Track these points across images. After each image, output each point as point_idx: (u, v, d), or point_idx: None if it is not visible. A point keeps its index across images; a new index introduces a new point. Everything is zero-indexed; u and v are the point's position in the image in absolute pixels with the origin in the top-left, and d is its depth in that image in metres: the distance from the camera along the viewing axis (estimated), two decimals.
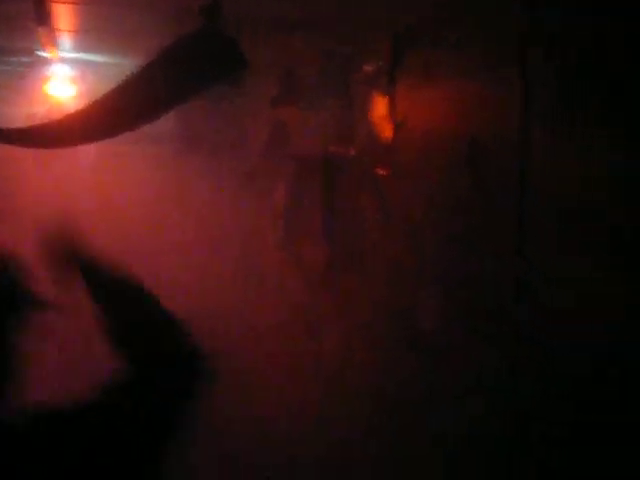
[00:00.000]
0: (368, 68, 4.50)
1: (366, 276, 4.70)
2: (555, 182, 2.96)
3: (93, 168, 7.18)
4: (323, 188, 5.16)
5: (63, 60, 7.08)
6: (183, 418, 1.91)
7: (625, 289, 2.77)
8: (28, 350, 1.98)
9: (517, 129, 3.10)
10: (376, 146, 4.34)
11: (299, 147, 5.61)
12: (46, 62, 7.14)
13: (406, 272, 4.16)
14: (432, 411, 3.73)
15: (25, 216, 6.74)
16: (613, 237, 2.75)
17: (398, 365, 4.04)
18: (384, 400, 4.03)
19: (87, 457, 1.84)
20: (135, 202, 7.04)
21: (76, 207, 6.97)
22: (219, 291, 6.75)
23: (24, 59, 7.12)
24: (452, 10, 3.69)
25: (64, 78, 7.24)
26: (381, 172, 4.30)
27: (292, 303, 5.77)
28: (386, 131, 4.22)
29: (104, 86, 4.85)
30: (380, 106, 4.31)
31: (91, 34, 6.42)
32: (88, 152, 6.98)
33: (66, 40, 6.46)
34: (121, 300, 2.04)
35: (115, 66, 6.69)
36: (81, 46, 6.88)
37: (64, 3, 5.68)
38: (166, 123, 6.86)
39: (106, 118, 4.76)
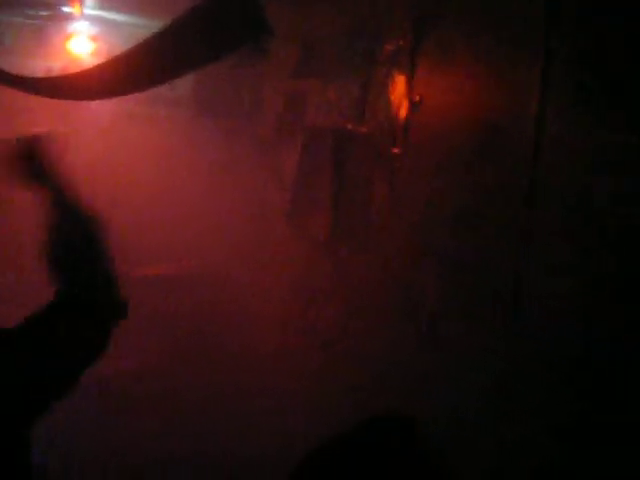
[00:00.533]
0: (389, 47, 4.51)
1: (369, 250, 4.74)
2: (568, 168, 2.98)
3: (107, 126, 7.22)
4: (333, 162, 5.19)
5: (86, 17, 7.10)
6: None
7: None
8: None
9: (533, 113, 3.13)
10: (391, 124, 4.37)
11: (314, 119, 5.64)
12: (69, 18, 7.16)
13: (409, 249, 4.20)
14: (426, 388, 3.77)
15: None
16: (626, 227, 2.77)
17: (394, 334, 4.09)
18: (378, 368, 4.08)
19: None
20: (146, 162, 7.08)
21: (87, 162, 7.07)
22: (225, 254, 6.82)
23: (48, 13, 7.14)
24: None
25: (85, 35, 7.26)
26: (394, 150, 4.33)
27: (294, 271, 5.83)
28: (402, 110, 4.25)
29: (124, 46, 4.89)
30: (398, 85, 4.34)
31: None
32: (103, 111, 7.02)
33: None
34: (71, 224, 2.11)
35: (137, 27, 6.70)
36: (105, 4, 6.91)
37: None
38: (183, 86, 6.92)
39: (124, 75, 4.80)
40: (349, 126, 4.89)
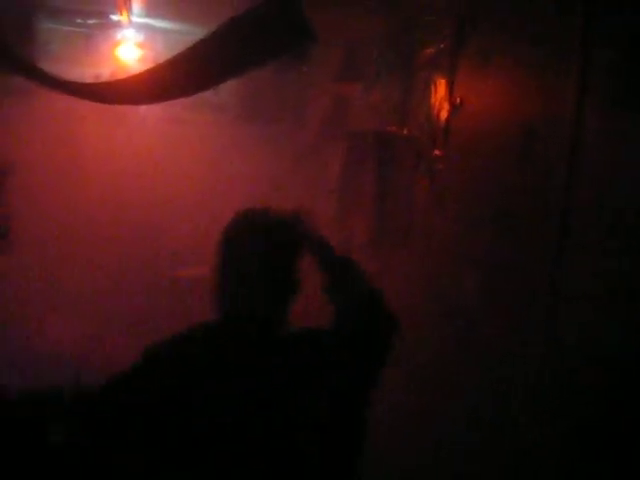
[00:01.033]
0: (430, 50, 4.56)
1: (410, 253, 4.78)
2: (606, 174, 2.99)
3: (153, 132, 7.33)
4: (376, 164, 5.25)
5: (133, 25, 7.24)
6: None
7: None
8: None
9: (570, 116, 3.14)
10: (432, 126, 4.41)
11: (356, 123, 5.70)
12: (117, 25, 7.30)
13: (449, 250, 4.23)
14: (462, 389, 3.80)
15: (86, 170, 6.98)
16: None
17: (432, 334, 4.12)
18: (414, 369, 4.12)
19: None
20: (193, 166, 7.20)
21: (133, 168, 7.20)
22: None
23: (96, 21, 7.30)
24: None
25: (133, 42, 7.40)
26: (435, 152, 4.37)
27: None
28: (443, 112, 4.29)
29: (170, 52, 4.99)
30: (439, 88, 4.38)
31: (163, 1, 6.56)
32: (150, 116, 7.14)
33: (138, 5, 6.62)
34: None
35: (182, 34, 6.82)
36: (151, 12, 7.03)
37: None
38: (227, 91, 7.02)
39: (170, 81, 4.90)
40: (391, 129, 4.94)
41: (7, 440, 2.57)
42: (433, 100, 4.42)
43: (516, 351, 3.39)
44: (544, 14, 3.40)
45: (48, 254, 6.59)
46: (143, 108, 6.75)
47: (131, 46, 7.40)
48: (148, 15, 7.13)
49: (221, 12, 4.47)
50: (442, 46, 4.40)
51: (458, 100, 4.16)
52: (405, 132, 4.76)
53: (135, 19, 7.04)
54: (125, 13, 6.54)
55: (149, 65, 5.54)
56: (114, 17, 7.07)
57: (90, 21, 7.30)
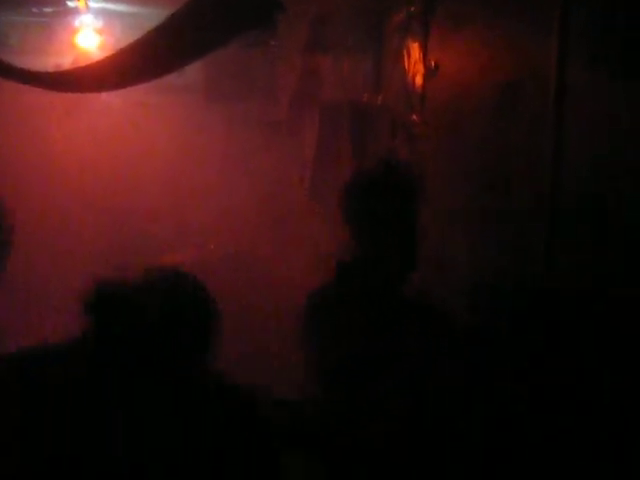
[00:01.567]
0: (400, 15, 4.49)
1: None
2: (591, 132, 2.95)
3: (119, 117, 7.23)
4: (352, 134, 5.19)
5: (91, 10, 7.09)
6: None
7: None
8: None
9: (553, 75, 3.09)
10: (408, 92, 4.35)
11: (329, 94, 5.63)
12: (74, 12, 7.15)
13: (433, 215, 4.19)
14: None
15: (54, 161, 6.86)
16: None
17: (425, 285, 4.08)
18: None
19: None
20: (161, 151, 7.10)
21: (101, 155, 7.09)
22: (243, 239, 6.84)
23: (53, 9, 7.14)
24: None
25: (92, 28, 7.26)
26: (412, 117, 4.31)
27: (317, 252, 5.82)
28: (418, 77, 4.23)
29: (131, 37, 4.88)
30: (412, 52, 4.32)
31: None
32: (114, 101, 7.02)
33: None
34: None
35: (142, 17, 6.68)
36: None
37: None
38: (192, 72, 6.91)
39: (133, 66, 4.81)
40: (365, 98, 4.88)
41: None
42: (407, 66, 4.36)
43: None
44: None
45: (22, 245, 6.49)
46: (106, 94, 6.63)
47: (90, 32, 7.25)
48: (105, 0, 7.00)
49: None
50: (412, 9, 4.33)
51: (433, 63, 4.10)
52: (380, 100, 4.69)
53: (92, 4, 6.89)
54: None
55: (110, 51, 5.44)
56: (71, 4, 6.91)
57: (47, 9, 7.14)
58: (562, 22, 3.00)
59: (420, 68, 4.19)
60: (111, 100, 6.98)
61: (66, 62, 6.90)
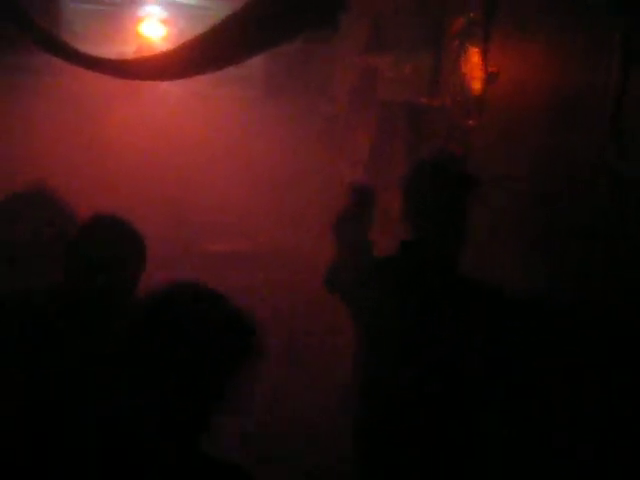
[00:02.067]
0: (461, 19, 4.49)
1: None
2: None
3: (177, 107, 7.33)
4: (407, 137, 5.21)
5: (157, 1, 7.21)
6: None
7: None
8: None
9: (613, 87, 3.08)
10: (466, 96, 4.36)
11: (386, 94, 5.65)
12: (140, 2, 7.28)
13: (486, 221, 4.18)
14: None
15: (110, 148, 6.99)
16: None
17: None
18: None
19: None
20: (218, 141, 7.19)
21: (158, 144, 7.20)
22: (294, 232, 6.90)
23: None
24: None
25: (157, 18, 7.37)
26: (469, 122, 4.32)
27: None
28: (476, 82, 4.23)
29: (195, 29, 4.96)
30: (471, 57, 4.32)
31: None
32: (172, 90, 7.12)
33: None
34: None
35: (208, 9, 6.78)
36: None
37: None
38: (252, 65, 6.99)
39: (196, 58, 4.89)
40: (423, 100, 4.89)
41: None
42: (466, 70, 4.36)
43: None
44: None
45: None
46: (165, 83, 6.72)
47: (155, 23, 7.37)
48: None
49: None
50: (472, 15, 4.34)
51: (493, 69, 4.10)
52: (437, 103, 4.70)
53: None
54: None
55: (174, 42, 5.53)
56: None
57: None
58: (624, 38, 2.99)
59: (479, 73, 4.19)
60: (169, 89, 7.08)
61: (129, 51, 7.04)
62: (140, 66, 5.26)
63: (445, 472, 3.06)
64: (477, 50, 4.22)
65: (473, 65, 4.25)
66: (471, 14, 4.37)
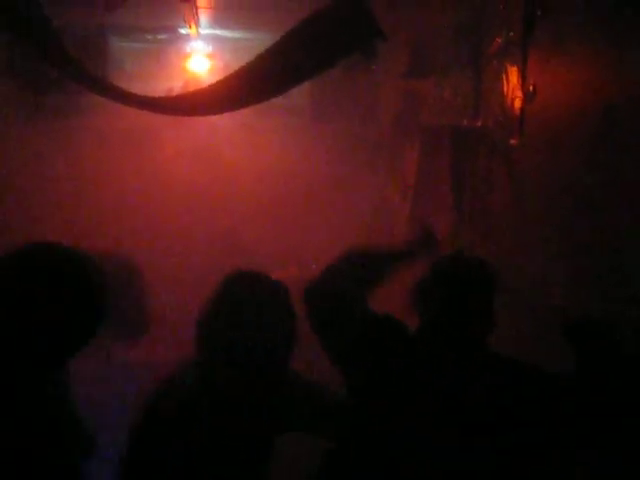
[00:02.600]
0: (499, 40, 4.51)
1: (494, 247, 4.73)
2: None
3: (225, 138, 7.44)
4: (452, 159, 5.22)
5: (201, 37, 7.36)
6: None
7: None
8: None
9: None
10: (506, 116, 4.36)
11: (429, 118, 5.68)
12: (186, 39, 7.44)
13: (531, 239, 4.16)
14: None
15: (161, 178, 7.13)
16: None
17: (519, 323, 4.04)
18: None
19: None
20: (267, 173, 7.27)
21: (208, 175, 7.31)
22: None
23: (165, 36, 7.45)
24: None
25: (202, 54, 7.53)
26: (511, 141, 4.32)
27: (417, 271, 5.82)
28: (517, 101, 4.24)
29: (239, 61, 5.06)
30: (511, 77, 4.33)
31: (229, 11, 6.65)
32: (220, 123, 7.25)
33: (205, 17, 6.73)
34: None
35: (250, 41, 6.91)
36: (218, 23, 7.14)
37: None
38: (297, 94, 7.08)
39: (242, 89, 4.96)
40: (465, 122, 4.90)
41: None
42: (506, 90, 4.37)
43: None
44: None
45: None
46: (214, 117, 6.86)
47: (201, 57, 7.53)
48: (215, 26, 7.25)
49: (286, 18, 4.51)
50: (511, 35, 4.35)
51: (531, 88, 4.09)
52: (479, 124, 4.71)
53: (203, 31, 7.16)
54: (193, 26, 6.66)
55: (219, 75, 5.63)
56: (183, 30, 7.20)
57: (160, 36, 7.46)
58: None
59: (519, 93, 4.19)
60: (217, 122, 7.22)
61: (177, 86, 7.19)
62: (187, 102, 5.36)
63: None
64: (516, 69, 4.22)
65: (513, 84, 4.26)
66: (510, 33, 4.38)
